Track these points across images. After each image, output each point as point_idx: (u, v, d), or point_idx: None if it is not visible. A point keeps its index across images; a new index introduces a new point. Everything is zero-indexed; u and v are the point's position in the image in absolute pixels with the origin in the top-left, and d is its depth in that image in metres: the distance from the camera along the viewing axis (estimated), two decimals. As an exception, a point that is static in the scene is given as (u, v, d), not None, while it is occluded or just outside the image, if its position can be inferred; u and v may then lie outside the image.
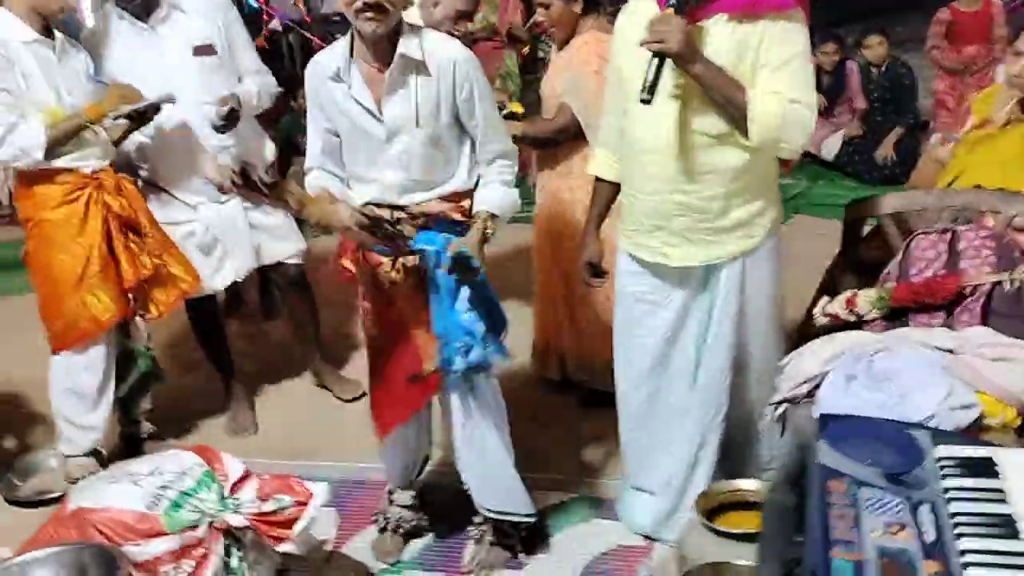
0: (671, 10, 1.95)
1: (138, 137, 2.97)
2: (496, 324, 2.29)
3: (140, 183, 3.06)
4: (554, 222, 3.11)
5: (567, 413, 3.24)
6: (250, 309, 4.32)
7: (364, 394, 3.16)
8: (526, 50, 5.56)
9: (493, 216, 2.19)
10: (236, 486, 2.34)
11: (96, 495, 2.24)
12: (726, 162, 2.08)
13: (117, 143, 2.89)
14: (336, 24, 6.52)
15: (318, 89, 2.21)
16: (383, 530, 2.60)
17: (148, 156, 3.06)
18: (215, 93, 2.94)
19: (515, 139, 2.98)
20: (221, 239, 3.14)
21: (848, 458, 1.55)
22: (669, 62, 1.96)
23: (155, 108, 2.82)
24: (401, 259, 2.20)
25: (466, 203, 2.24)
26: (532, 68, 5.26)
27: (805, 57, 2.03)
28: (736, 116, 2.00)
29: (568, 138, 2.96)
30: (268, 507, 2.26)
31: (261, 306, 4.27)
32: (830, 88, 5.89)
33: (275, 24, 6.41)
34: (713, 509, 2.18)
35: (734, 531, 2.05)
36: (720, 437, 2.36)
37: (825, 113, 5.70)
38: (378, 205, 2.21)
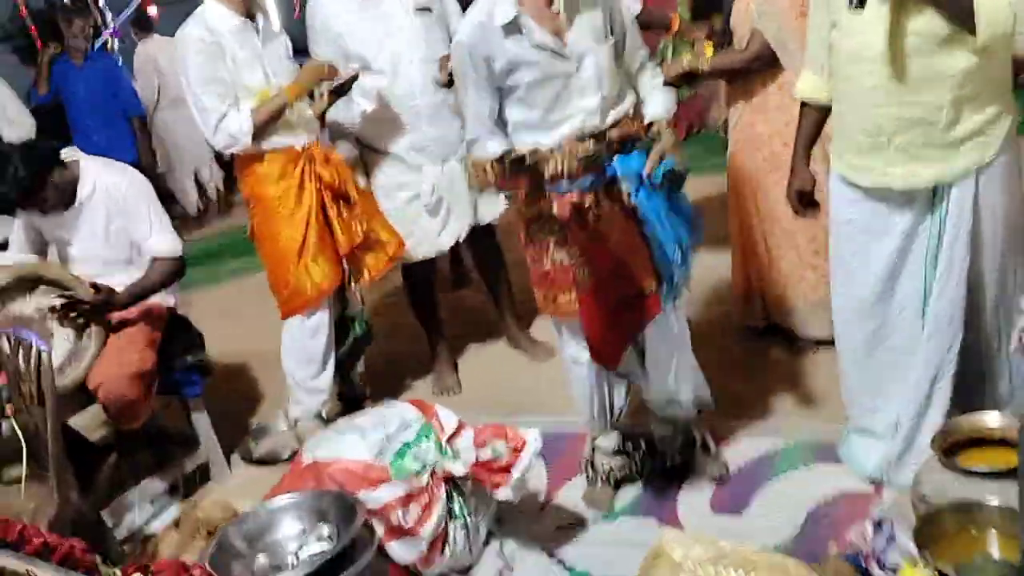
0: None
1: (361, 104, 3.10)
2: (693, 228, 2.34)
3: (364, 150, 3.19)
4: (751, 158, 2.98)
5: (774, 359, 3.13)
6: (441, 276, 4.44)
7: (554, 355, 3.17)
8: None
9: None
10: (452, 437, 2.43)
11: (328, 448, 2.39)
12: (952, 66, 1.89)
13: (321, 117, 3.02)
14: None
15: (482, 53, 2.18)
16: (593, 481, 2.60)
17: (371, 122, 3.16)
18: (434, 51, 3.05)
19: (700, 75, 2.91)
20: (445, 199, 3.22)
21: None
22: None
23: (351, 80, 2.94)
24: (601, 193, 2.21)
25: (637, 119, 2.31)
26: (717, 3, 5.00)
27: None
28: (959, 12, 1.80)
29: (761, 67, 2.82)
30: (484, 455, 2.33)
31: (451, 275, 4.39)
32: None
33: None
34: (951, 447, 2.02)
35: (982, 468, 1.89)
36: (955, 371, 2.18)
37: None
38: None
